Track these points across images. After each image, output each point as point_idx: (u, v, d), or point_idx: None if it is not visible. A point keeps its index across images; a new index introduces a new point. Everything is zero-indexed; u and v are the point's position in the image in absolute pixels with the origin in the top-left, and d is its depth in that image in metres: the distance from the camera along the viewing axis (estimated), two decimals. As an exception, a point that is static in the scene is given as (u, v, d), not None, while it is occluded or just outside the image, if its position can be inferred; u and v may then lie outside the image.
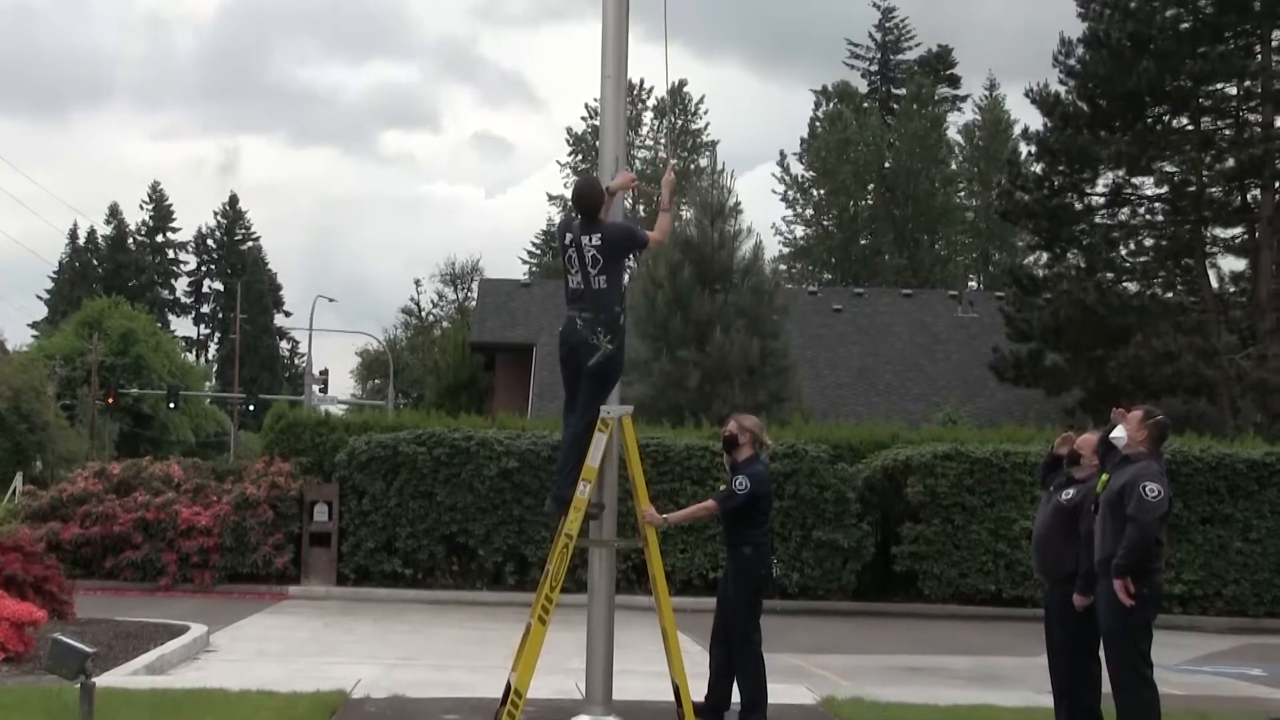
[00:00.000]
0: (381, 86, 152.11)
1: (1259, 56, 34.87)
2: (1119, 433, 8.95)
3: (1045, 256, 41.23)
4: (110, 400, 63.77)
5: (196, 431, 78.08)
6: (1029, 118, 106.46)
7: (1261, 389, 32.32)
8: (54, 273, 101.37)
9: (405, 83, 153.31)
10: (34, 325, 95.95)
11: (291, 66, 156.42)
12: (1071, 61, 35.77)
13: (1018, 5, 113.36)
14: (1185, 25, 34.33)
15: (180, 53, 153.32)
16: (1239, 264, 38.59)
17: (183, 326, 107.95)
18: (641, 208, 60.06)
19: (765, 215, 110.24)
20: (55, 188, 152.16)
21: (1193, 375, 31.95)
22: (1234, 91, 35.78)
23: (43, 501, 20.57)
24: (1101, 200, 37.10)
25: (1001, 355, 35.58)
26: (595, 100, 59.71)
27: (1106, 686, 8.84)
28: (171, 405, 67.67)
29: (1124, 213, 37.12)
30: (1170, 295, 36.52)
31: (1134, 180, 36.33)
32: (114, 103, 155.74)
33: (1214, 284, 37.00)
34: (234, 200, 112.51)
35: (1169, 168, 35.65)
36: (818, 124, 73.81)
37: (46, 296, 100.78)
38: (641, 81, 76.60)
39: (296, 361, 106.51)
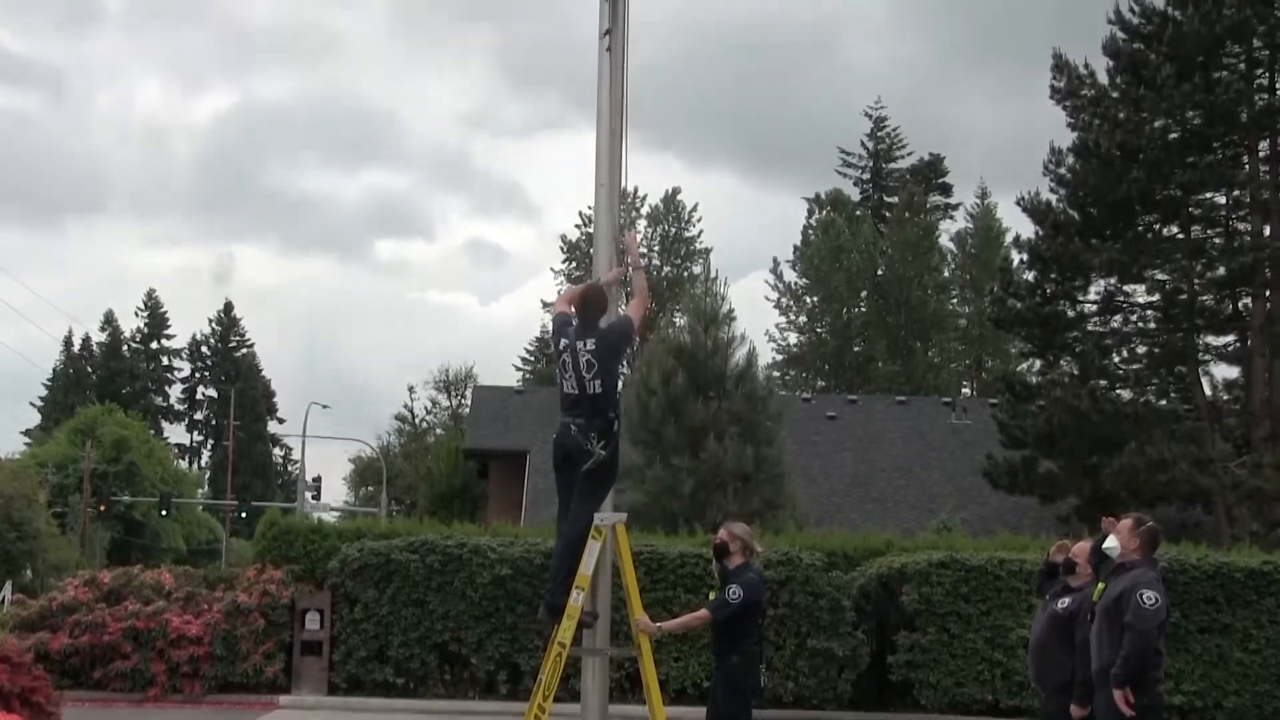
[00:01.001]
0: (375, 194, 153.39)
1: (1247, 166, 35.26)
2: (1111, 543, 8.93)
3: (1038, 363, 41.33)
4: (102, 508, 63.48)
5: (188, 539, 77.65)
6: (1020, 226, 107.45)
7: (1257, 498, 32.25)
8: (48, 380, 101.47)
9: (399, 191, 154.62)
10: (27, 433, 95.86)
11: (286, 175, 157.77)
12: (1062, 170, 36.13)
13: (1008, 115, 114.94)
14: (1174, 135, 34.74)
15: (176, 161, 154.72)
16: (1232, 372, 38.75)
17: (176, 433, 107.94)
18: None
19: (759, 322, 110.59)
20: (51, 296, 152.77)
21: (1187, 483, 31.88)
22: (1223, 201, 36.13)
23: (32, 611, 20.35)
24: (1094, 308, 37.29)
25: (995, 462, 35.53)
26: (589, 208, 60.27)
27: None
28: (164, 513, 67.31)
29: (1116, 320, 37.29)
30: (1164, 403, 36.54)
31: (1126, 288, 36.55)
32: (110, 211, 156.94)
33: (1207, 392, 37.07)
34: (229, 307, 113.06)
35: (1160, 276, 35.87)
36: (810, 231, 74.40)
37: (40, 404, 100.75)
38: (635, 189, 77.34)
39: (290, 468, 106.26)
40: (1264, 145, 35.18)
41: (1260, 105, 34.47)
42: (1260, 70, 35.18)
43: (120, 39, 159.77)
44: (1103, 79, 36.27)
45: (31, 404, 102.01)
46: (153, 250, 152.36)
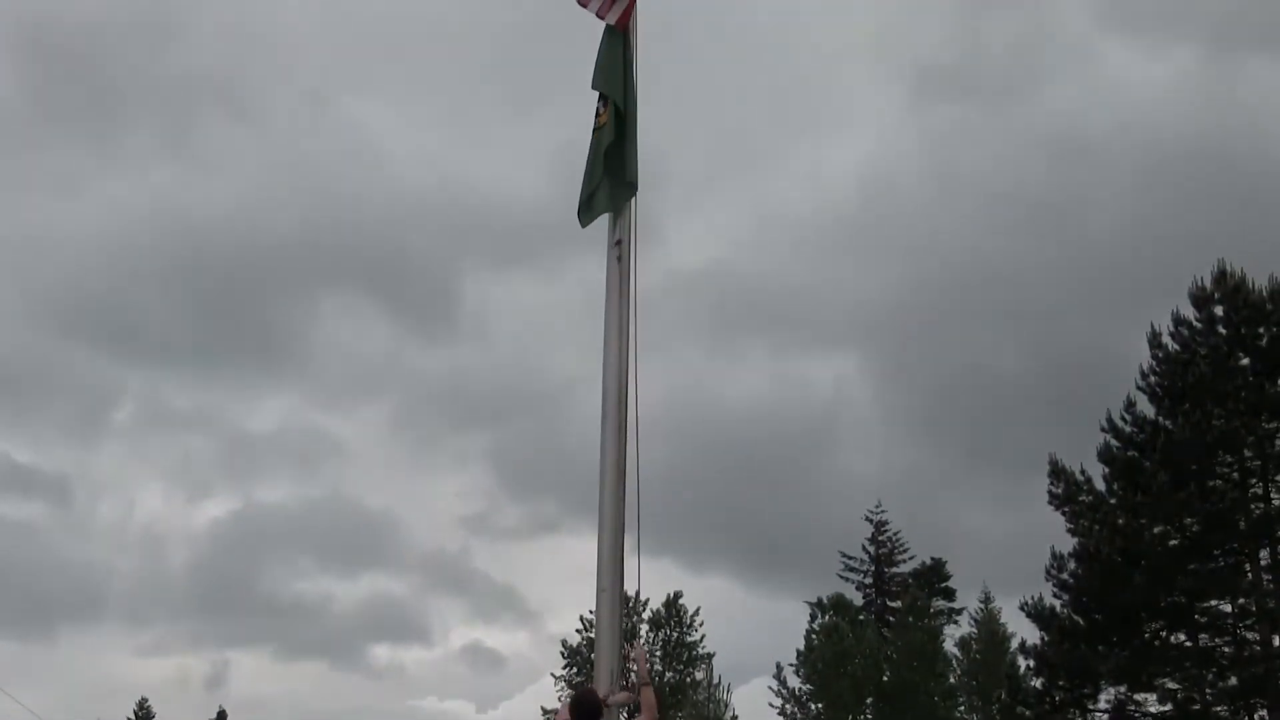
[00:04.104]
0: (373, 599, 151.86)
1: (1249, 575, 35.16)
2: None
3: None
4: None
5: None
6: (1025, 630, 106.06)
7: None
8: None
9: (397, 595, 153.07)
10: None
11: (284, 579, 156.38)
12: (1064, 575, 36.07)
13: (1007, 519, 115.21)
14: (1174, 542, 34.83)
15: (173, 567, 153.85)
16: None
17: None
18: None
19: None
20: (40, 707, 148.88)
21: None
22: (1229, 609, 35.84)
23: None
24: (1105, 716, 36.45)
25: None
26: (590, 612, 59.62)
27: None
28: None
29: (1129, 730, 36.41)
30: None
31: (1136, 696, 35.81)
32: (104, 619, 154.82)
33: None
34: (222, 715, 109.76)
35: (1171, 684, 35.22)
36: (814, 636, 73.53)
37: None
38: (637, 593, 76.73)
39: None
40: (1264, 554, 35.21)
41: (1257, 514, 34.71)
42: (1254, 480, 35.58)
43: (125, 447, 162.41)
44: (1099, 485, 36.68)
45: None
46: (146, 658, 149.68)
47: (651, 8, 10.99)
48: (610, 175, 10.28)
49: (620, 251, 10.15)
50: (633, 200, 10.35)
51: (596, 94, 10.57)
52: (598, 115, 10.51)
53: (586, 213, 10.37)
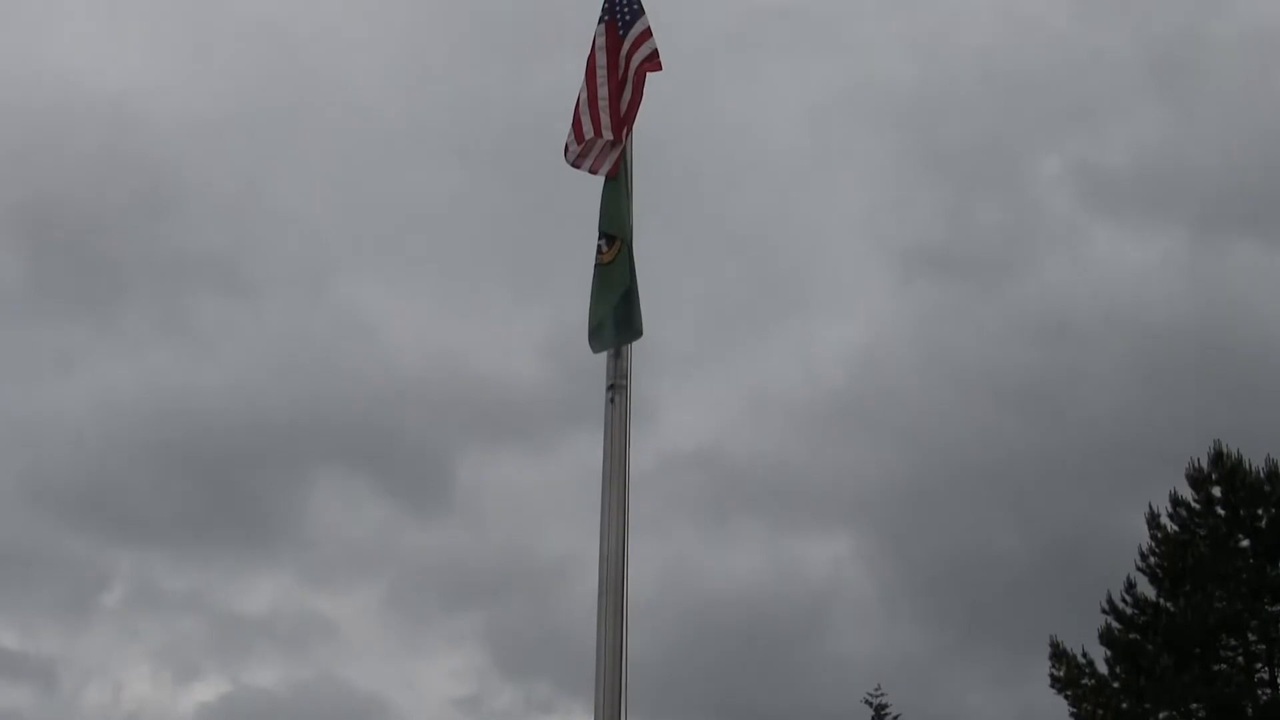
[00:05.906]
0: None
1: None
2: None
3: None
4: None
5: None
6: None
7: None
8: None
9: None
10: None
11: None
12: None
13: (1008, 702, 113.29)
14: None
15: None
16: None
17: None
18: None
19: None
20: None
21: None
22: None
23: None
24: None
25: None
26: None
27: None
28: None
29: None
30: None
31: None
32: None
33: None
34: None
35: None
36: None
37: None
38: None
39: None
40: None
41: (1265, 699, 34.09)
42: (1259, 664, 35.03)
43: (114, 629, 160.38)
44: (1102, 668, 36.08)
45: None
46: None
47: (641, 189, 11.03)
48: (616, 316, 10.22)
49: (614, 395, 10.05)
50: (630, 348, 10.28)
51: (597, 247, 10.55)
52: (600, 252, 10.46)
53: (597, 340, 10.28)
